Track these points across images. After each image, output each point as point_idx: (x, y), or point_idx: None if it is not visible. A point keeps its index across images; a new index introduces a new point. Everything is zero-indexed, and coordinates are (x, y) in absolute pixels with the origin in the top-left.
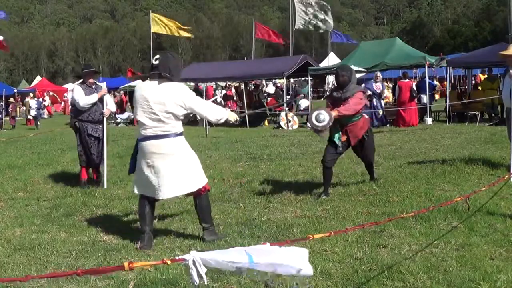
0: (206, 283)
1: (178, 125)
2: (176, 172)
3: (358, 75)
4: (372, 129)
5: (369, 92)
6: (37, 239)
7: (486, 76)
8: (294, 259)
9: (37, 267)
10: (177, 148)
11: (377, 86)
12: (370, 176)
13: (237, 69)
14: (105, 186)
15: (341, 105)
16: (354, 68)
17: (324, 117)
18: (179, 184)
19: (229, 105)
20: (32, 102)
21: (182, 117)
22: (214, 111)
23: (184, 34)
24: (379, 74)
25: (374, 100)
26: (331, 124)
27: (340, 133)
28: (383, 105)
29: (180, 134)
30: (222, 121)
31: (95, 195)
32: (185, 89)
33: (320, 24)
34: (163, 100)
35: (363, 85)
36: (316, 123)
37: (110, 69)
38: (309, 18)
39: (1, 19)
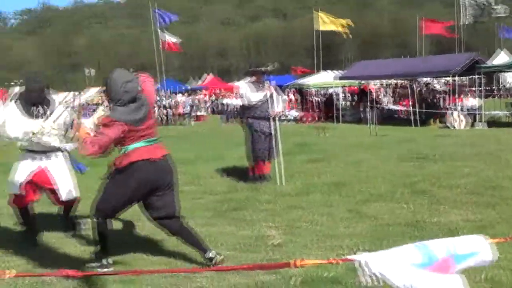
0: (381, 284)
1: None
2: None
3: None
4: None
5: None
6: (206, 231)
7: None
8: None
9: (202, 261)
10: None
11: None
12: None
13: (403, 67)
14: (283, 184)
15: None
16: None
17: None
18: None
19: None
20: (186, 100)
21: None
22: None
23: (346, 31)
24: None
25: None
26: None
27: None
28: None
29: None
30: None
31: (263, 191)
32: None
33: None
34: None
35: None
36: None
37: (277, 67)
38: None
39: (173, 21)
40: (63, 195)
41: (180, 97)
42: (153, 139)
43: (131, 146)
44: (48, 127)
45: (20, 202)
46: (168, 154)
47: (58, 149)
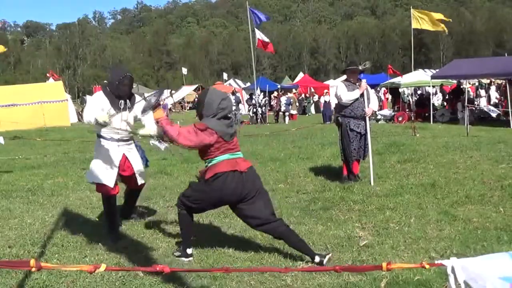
0: None
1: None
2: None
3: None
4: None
5: None
6: (295, 230)
7: None
8: None
9: (290, 259)
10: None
11: None
12: None
13: (500, 66)
14: (372, 184)
15: None
16: None
17: None
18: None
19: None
20: (283, 99)
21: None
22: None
23: (439, 28)
24: None
25: None
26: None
27: None
28: None
29: (99, 136)
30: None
31: (353, 191)
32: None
33: None
34: None
35: None
36: None
37: (371, 65)
38: None
39: (264, 21)
40: (140, 180)
41: (275, 95)
42: (238, 153)
43: (217, 158)
44: (131, 120)
45: (113, 191)
46: (252, 166)
47: (132, 138)
